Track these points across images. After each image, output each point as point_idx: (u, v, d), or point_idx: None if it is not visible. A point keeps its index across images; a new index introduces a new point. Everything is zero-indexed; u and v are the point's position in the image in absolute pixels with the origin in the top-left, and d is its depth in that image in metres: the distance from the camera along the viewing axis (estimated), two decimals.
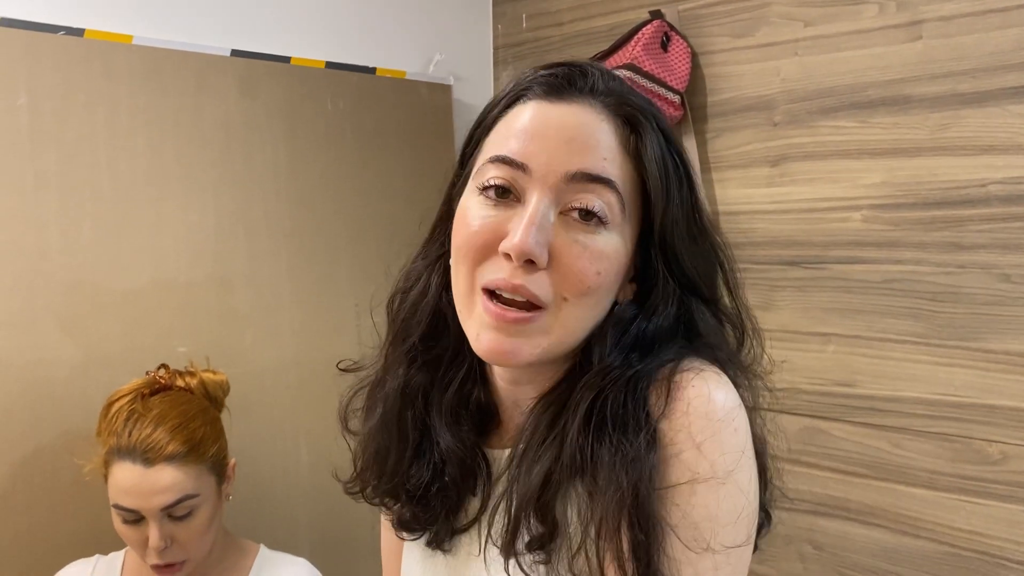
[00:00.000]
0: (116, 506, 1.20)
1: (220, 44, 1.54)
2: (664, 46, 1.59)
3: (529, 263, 0.67)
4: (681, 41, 1.60)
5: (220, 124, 1.54)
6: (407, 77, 1.79)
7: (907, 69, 1.37)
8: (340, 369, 0.87)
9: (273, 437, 1.60)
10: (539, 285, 0.68)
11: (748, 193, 1.57)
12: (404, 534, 0.82)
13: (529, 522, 0.69)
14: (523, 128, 0.70)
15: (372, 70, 1.74)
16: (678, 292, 0.73)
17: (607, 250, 0.69)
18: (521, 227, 0.67)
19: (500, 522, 0.71)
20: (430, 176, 0.78)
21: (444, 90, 1.84)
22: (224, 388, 1.37)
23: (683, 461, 0.64)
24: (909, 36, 1.37)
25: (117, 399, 1.26)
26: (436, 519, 0.79)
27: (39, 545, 1.35)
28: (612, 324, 0.72)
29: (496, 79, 1.98)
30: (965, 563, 1.34)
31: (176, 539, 1.20)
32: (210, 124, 1.53)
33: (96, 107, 1.41)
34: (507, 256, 0.68)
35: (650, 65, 1.55)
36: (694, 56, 1.62)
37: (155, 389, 1.28)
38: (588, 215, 0.68)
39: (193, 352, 1.47)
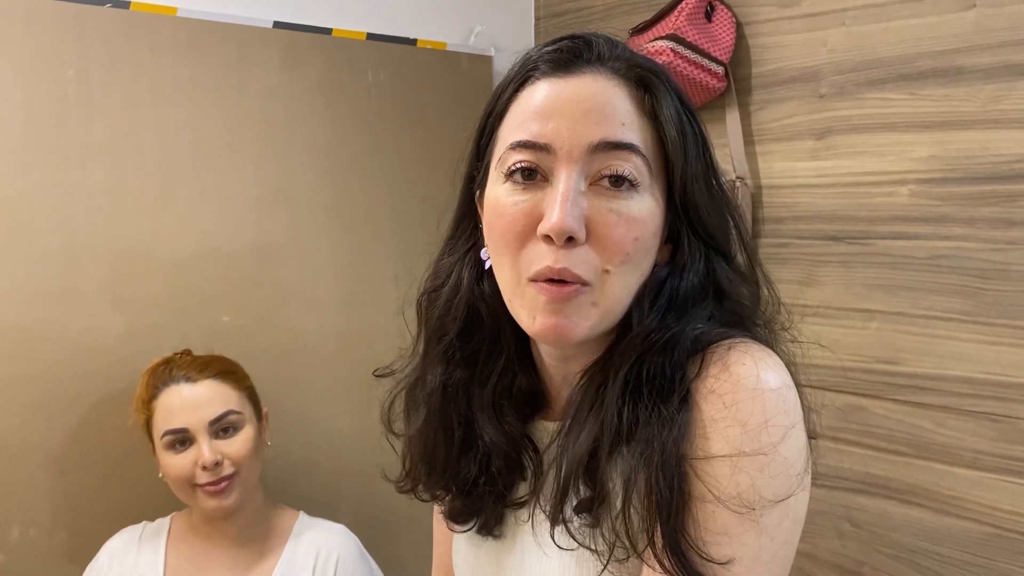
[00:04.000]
0: (166, 433, 1.25)
1: (263, 16, 1.55)
2: (708, 16, 1.56)
3: (570, 240, 0.67)
4: (726, 11, 1.57)
5: (263, 96, 1.55)
6: (448, 48, 1.78)
7: (959, 39, 1.33)
8: (375, 375, 0.88)
9: (314, 406, 1.62)
10: (581, 263, 0.68)
11: (792, 166, 1.54)
12: (455, 526, 0.84)
13: (577, 488, 0.70)
14: (539, 108, 0.70)
15: (413, 41, 1.73)
16: (703, 249, 0.74)
17: (641, 214, 0.70)
18: (556, 206, 0.67)
19: (549, 489, 0.73)
20: (464, 150, 0.78)
21: (485, 61, 1.83)
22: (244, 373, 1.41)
23: (727, 437, 0.64)
24: (962, 5, 1.32)
25: (149, 367, 1.34)
26: (484, 507, 0.80)
27: (90, 506, 1.39)
28: (648, 287, 0.73)
29: None
30: (1008, 544, 1.32)
31: (225, 455, 1.26)
32: (253, 96, 1.54)
33: (142, 79, 1.43)
34: (547, 238, 0.68)
35: (693, 35, 1.53)
36: (739, 26, 1.59)
37: (183, 355, 1.36)
38: (618, 180, 0.68)
39: (236, 321, 1.50)
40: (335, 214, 1.64)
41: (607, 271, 0.69)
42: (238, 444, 1.27)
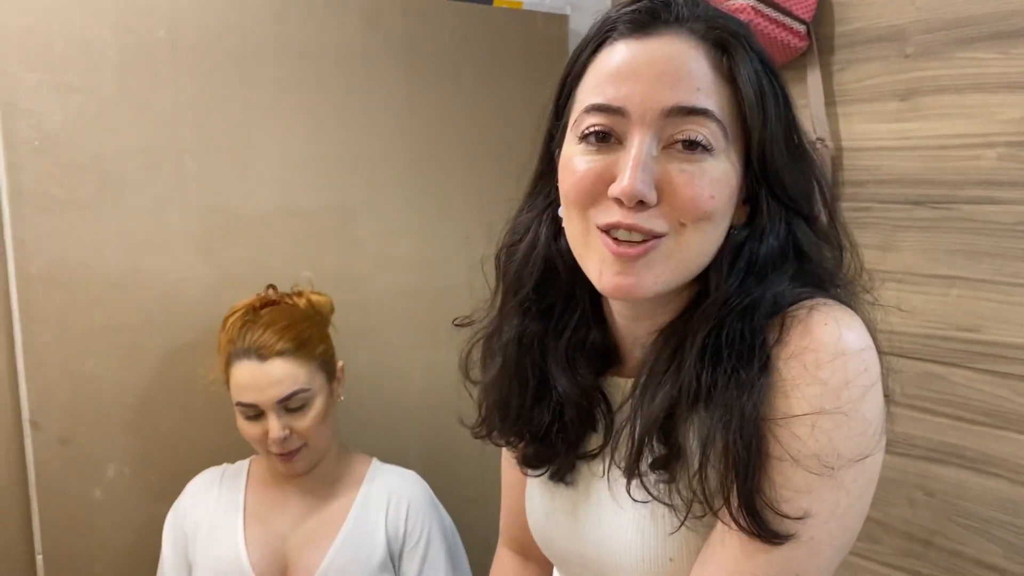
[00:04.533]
0: (238, 404, 1.31)
1: None
2: None
3: (640, 204, 0.68)
4: None
5: (344, 55, 1.58)
6: (523, 7, 1.78)
7: None
8: (455, 324, 0.90)
9: (387, 360, 1.67)
10: (654, 220, 0.69)
11: (874, 128, 1.50)
12: (528, 470, 0.87)
13: (652, 445, 0.72)
14: (615, 71, 0.70)
15: (489, 0, 1.74)
16: (783, 212, 0.73)
17: (716, 174, 0.69)
18: (628, 170, 0.67)
19: (624, 446, 0.74)
20: (543, 109, 0.79)
21: (560, 20, 1.83)
22: (329, 307, 1.46)
23: (807, 396, 0.65)
24: None
25: (232, 314, 1.37)
26: (558, 455, 0.82)
27: (177, 447, 1.46)
28: (726, 250, 0.73)
29: (614, 7, 1.93)
30: None
31: (294, 429, 1.30)
32: (334, 56, 1.57)
33: (229, 41, 1.47)
34: (617, 201, 0.69)
35: None
36: None
37: (264, 303, 1.39)
38: (692, 145, 0.68)
39: (316, 277, 1.55)
40: (412, 174, 1.67)
41: (683, 224, 0.69)
42: (306, 420, 1.31)
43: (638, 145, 0.68)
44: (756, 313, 0.69)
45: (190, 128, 1.45)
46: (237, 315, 1.37)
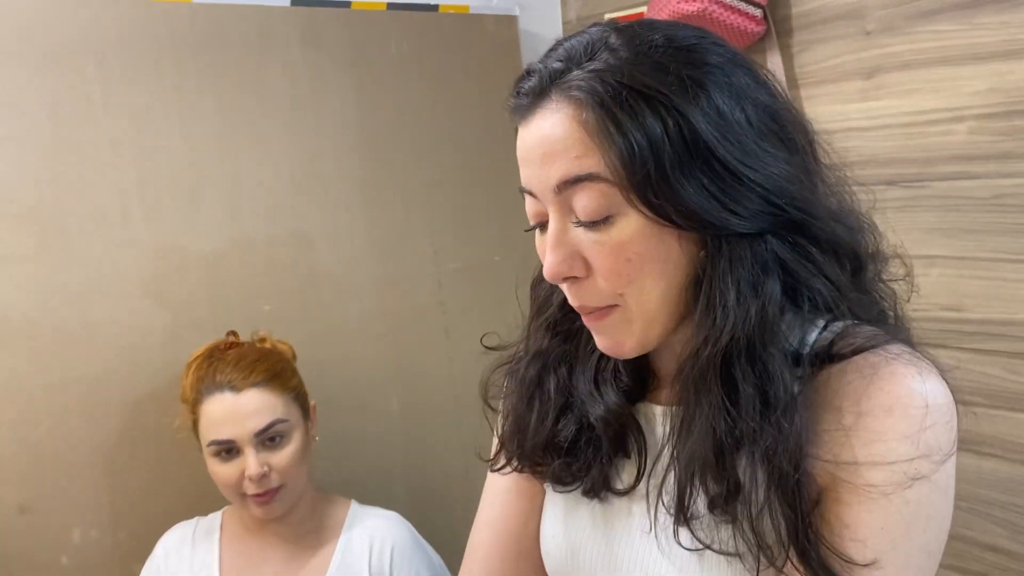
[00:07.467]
0: (211, 443, 1.25)
1: None
2: None
3: (572, 278, 0.70)
4: None
5: (286, 76, 1.51)
6: (471, 11, 1.72)
7: None
8: (484, 347, 0.87)
9: (362, 390, 1.60)
10: (593, 294, 0.70)
11: (841, 109, 1.46)
12: (557, 487, 0.81)
13: (706, 485, 0.67)
14: (520, 158, 0.71)
15: (435, 7, 1.68)
16: (726, 244, 0.68)
17: (625, 237, 0.67)
18: (548, 253, 0.70)
19: (670, 491, 0.71)
20: (499, 113, 0.74)
21: (510, 21, 1.77)
22: (291, 354, 1.40)
23: (893, 463, 0.64)
24: None
25: (194, 359, 1.33)
26: (589, 470, 0.78)
27: (147, 503, 1.40)
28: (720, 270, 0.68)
29: (564, 4, 1.89)
30: None
31: (272, 466, 1.24)
32: (276, 78, 1.50)
33: (163, 71, 1.40)
34: None
35: None
36: None
37: (228, 346, 1.35)
38: (591, 224, 0.68)
39: (276, 310, 1.49)
40: (368, 192, 1.61)
41: (621, 294, 0.69)
42: (285, 455, 1.26)
43: (552, 227, 0.69)
44: (801, 355, 0.69)
45: (130, 166, 1.38)
46: (201, 356, 1.33)
